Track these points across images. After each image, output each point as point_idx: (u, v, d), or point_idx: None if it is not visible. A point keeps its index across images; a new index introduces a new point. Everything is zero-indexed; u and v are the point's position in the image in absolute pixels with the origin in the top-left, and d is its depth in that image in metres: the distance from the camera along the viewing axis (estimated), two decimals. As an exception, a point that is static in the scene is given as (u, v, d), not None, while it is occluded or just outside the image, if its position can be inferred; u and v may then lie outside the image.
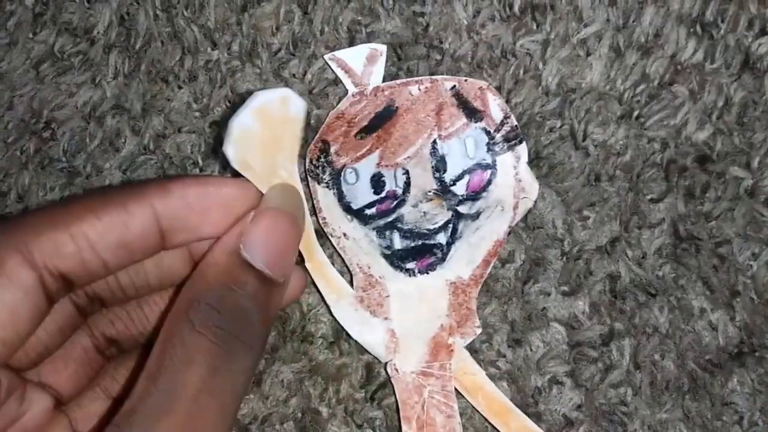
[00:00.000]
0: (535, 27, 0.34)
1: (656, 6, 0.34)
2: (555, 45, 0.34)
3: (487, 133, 0.28)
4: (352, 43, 0.34)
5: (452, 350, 0.27)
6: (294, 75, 0.34)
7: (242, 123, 0.23)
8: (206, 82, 0.35)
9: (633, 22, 0.34)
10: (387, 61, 0.33)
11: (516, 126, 0.28)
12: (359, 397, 0.31)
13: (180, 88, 0.35)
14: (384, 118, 0.28)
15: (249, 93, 0.34)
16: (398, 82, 0.29)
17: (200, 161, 0.34)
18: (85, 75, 0.36)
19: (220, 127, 0.34)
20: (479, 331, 0.27)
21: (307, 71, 0.34)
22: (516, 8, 0.34)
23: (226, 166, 0.34)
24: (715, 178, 0.33)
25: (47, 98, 0.35)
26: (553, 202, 0.32)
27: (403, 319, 0.26)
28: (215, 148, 0.34)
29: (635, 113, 0.33)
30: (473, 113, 0.28)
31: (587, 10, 0.34)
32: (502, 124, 0.28)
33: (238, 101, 0.34)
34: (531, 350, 0.31)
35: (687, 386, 0.31)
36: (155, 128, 0.35)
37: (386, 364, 0.27)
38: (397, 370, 0.27)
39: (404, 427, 0.26)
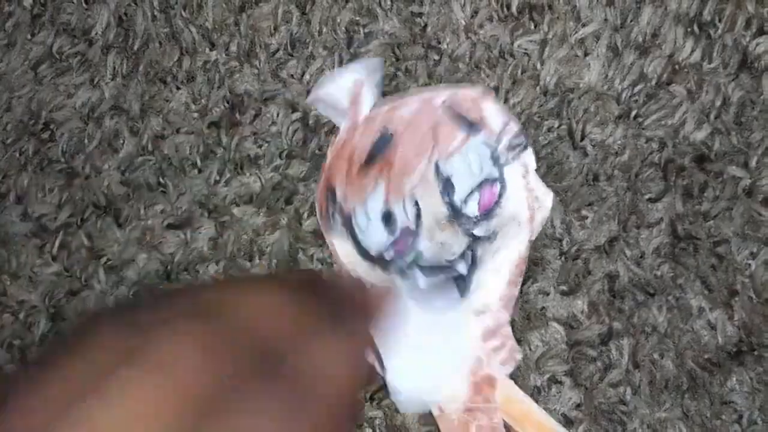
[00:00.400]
0: (532, 27, 0.34)
1: (654, 6, 0.34)
2: (553, 45, 0.34)
3: (489, 145, 0.27)
4: (350, 43, 0.34)
5: (494, 381, 0.25)
6: (292, 75, 0.34)
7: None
8: (204, 82, 0.35)
9: (631, 21, 0.34)
10: (385, 62, 0.33)
11: (518, 131, 0.26)
12: (359, 396, 0.31)
13: (178, 88, 0.35)
14: (381, 147, 0.27)
15: (247, 93, 0.34)
16: (386, 107, 0.27)
17: (199, 162, 0.34)
18: (84, 76, 0.36)
19: (219, 128, 0.34)
20: (520, 356, 0.25)
21: (305, 71, 0.34)
22: (513, 8, 0.34)
23: (223, 169, 0.34)
24: (713, 177, 0.33)
25: (46, 99, 0.35)
26: (552, 201, 0.32)
27: (440, 358, 0.24)
28: (213, 149, 0.34)
29: (633, 113, 0.33)
30: (470, 126, 0.26)
31: (585, 10, 0.34)
32: (502, 132, 0.26)
33: (236, 102, 0.34)
34: (530, 349, 0.31)
35: (686, 385, 0.31)
36: (154, 129, 0.35)
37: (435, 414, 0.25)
38: (441, 409, 0.25)
39: None
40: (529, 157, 0.26)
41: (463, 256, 0.25)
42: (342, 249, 0.25)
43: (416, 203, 0.25)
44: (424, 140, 0.26)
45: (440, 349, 0.24)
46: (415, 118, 0.26)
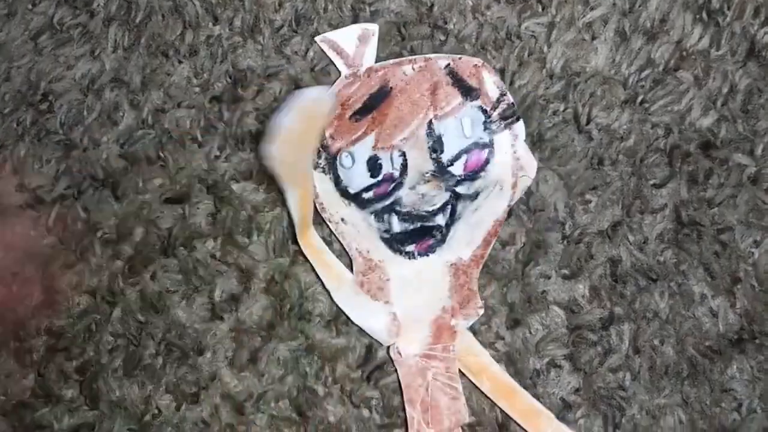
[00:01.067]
0: (540, 10, 0.34)
1: (663, -9, 0.33)
2: (560, 28, 0.33)
3: (484, 111, 0.28)
4: (355, 20, 0.33)
5: (455, 332, 0.26)
6: (296, 52, 0.34)
7: (288, 123, 0.23)
8: (207, 57, 0.35)
9: (639, 6, 0.34)
10: (390, 41, 0.32)
11: (512, 103, 0.28)
12: (356, 376, 0.30)
13: (180, 62, 0.35)
14: (378, 99, 0.28)
15: (250, 69, 0.33)
16: (391, 62, 0.28)
17: (199, 136, 0.34)
18: (84, 47, 0.35)
19: (221, 103, 0.34)
20: (482, 311, 0.27)
21: (309, 49, 0.34)
22: (522, -10, 0.34)
23: (224, 145, 0.33)
24: (718, 164, 0.32)
25: (45, 70, 0.35)
26: (555, 185, 0.32)
27: (405, 303, 0.26)
28: (215, 124, 0.34)
29: (639, 98, 0.33)
30: (469, 91, 0.27)
31: (593, -7, 0.33)
32: (498, 101, 0.28)
33: (239, 77, 0.34)
34: (530, 333, 0.31)
35: (686, 372, 0.31)
36: (154, 102, 0.34)
37: (389, 347, 0.26)
38: (400, 353, 0.26)
39: (408, 410, 0.26)
40: (519, 127, 0.27)
41: (442, 209, 0.26)
42: (321, 184, 0.26)
43: (404, 155, 0.26)
44: (421, 98, 0.27)
45: (410, 293, 0.25)
46: (417, 76, 0.27)
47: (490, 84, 0.28)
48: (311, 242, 0.26)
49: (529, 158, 0.27)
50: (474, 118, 0.28)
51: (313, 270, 0.30)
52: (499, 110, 0.28)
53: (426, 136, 0.27)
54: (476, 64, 0.28)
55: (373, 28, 0.29)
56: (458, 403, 0.26)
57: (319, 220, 0.30)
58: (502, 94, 0.28)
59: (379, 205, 0.26)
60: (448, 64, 0.28)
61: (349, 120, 0.27)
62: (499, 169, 0.27)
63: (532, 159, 0.28)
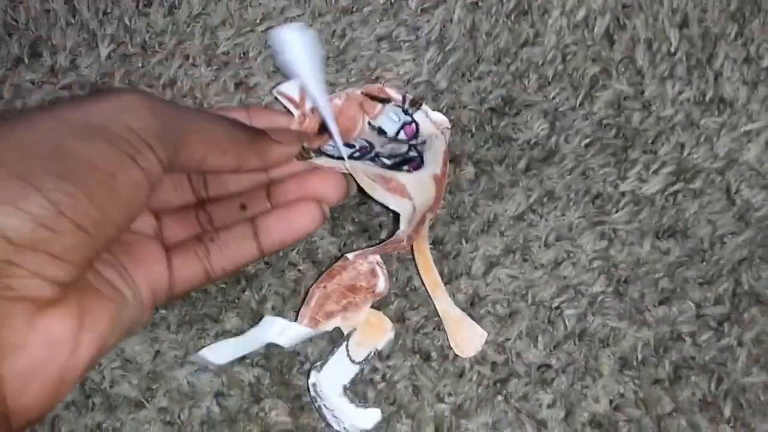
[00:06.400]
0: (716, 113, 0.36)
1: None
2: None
3: (398, 106, 0.36)
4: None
5: (424, 221, 0.33)
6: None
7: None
8: None
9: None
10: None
11: (413, 97, 0.36)
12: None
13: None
14: (326, 129, 0.35)
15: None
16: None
17: None
18: None
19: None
20: (439, 210, 0.34)
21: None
22: (707, 97, 0.36)
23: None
24: None
25: None
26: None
27: (417, 199, 0.33)
28: None
29: None
30: (383, 101, 0.36)
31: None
32: (404, 99, 0.36)
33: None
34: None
35: None
36: None
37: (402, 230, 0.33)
38: (403, 232, 0.32)
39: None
40: (425, 107, 0.36)
41: (410, 150, 0.35)
42: (317, 161, 0.33)
43: (365, 140, 0.35)
44: (356, 113, 0.36)
45: (417, 194, 0.33)
46: (346, 103, 0.36)
47: (394, 93, 0.36)
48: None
49: (440, 117, 0.36)
50: (395, 111, 0.36)
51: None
52: (407, 102, 0.36)
53: (370, 130, 0.36)
54: (379, 87, 0.36)
55: (301, 82, 0.36)
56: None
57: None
58: (404, 95, 0.36)
59: (366, 158, 0.34)
60: (362, 91, 0.36)
61: (316, 135, 0.35)
62: (427, 127, 0.36)
63: (442, 116, 0.36)
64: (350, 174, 0.32)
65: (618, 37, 0.37)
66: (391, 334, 0.33)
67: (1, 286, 0.22)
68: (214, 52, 0.37)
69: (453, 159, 0.35)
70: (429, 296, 0.33)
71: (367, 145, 0.35)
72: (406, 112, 0.36)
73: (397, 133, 0.36)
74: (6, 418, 0.23)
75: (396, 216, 0.32)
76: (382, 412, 0.32)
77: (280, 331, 0.32)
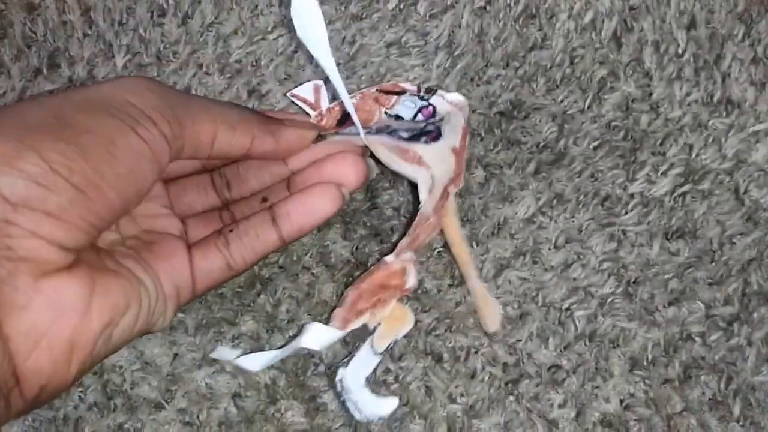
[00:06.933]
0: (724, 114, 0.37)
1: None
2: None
3: (414, 94, 0.36)
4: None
5: (449, 194, 0.33)
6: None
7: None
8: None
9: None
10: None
11: (429, 86, 0.36)
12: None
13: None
14: (345, 117, 0.35)
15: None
16: (338, 101, 0.36)
17: None
18: None
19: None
20: (462, 184, 0.34)
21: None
22: (715, 99, 0.37)
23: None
24: None
25: None
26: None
27: (436, 170, 0.33)
28: None
29: None
30: (398, 93, 0.36)
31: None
32: (419, 89, 0.36)
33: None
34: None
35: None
36: None
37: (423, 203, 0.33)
38: (426, 206, 0.33)
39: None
40: (441, 92, 0.36)
41: (428, 123, 0.35)
42: (345, 133, 0.33)
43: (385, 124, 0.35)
44: (372, 107, 0.36)
45: (437, 164, 0.33)
46: (361, 100, 0.36)
47: (408, 86, 0.36)
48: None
49: (457, 97, 0.35)
50: (411, 99, 0.36)
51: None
52: (422, 91, 0.36)
53: (387, 118, 0.36)
54: (393, 83, 0.37)
55: (320, 82, 0.37)
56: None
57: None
58: (418, 86, 0.36)
59: (384, 132, 0.34)
60: (377, 89, 0.36)
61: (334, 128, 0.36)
62: (443, 107, 0.36)
63: (459, 96, 0.35)
64: (369, 156, 0.33)
65: (625, 40, 0.37)
66: (410, 324, 0.33)
67: (1, 246, 0.23)
68: (227, 60, 0.38)
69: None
70: (459, 270, 0.34)
71: (384, 126, 0.34)
72: (422, 99, 0.36)
73: (415, 116, 0.36)
74: (16, 381, 0.24)
75: (409, 219, 0.33)
76: (395, 413, 0.32)
77: (316, 336, 0.31)
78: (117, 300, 0.26)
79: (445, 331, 0.34)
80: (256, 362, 0.32)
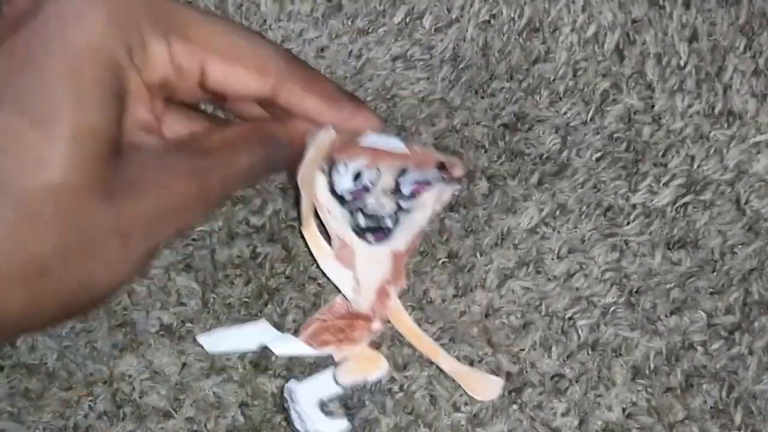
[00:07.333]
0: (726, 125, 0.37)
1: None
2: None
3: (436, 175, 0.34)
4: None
5: (388, 294, 0.34)
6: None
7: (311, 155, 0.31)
8: None
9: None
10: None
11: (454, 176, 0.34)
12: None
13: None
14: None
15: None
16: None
17: None
18: None
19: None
20: (406, 286, 0.34)
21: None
22: (716, 110, 0.37)
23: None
24: None
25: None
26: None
27: (364, 273, 0.33)
28: None
29: None
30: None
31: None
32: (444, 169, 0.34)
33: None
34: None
35: None
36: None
37: (353, 301, 0.34)
38: (357, 303, 0.33)
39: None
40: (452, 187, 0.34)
41: (390, 215, 0.34)
42: (319, 184, 0.33)
43: (378, 170, 0.34)
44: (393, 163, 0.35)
45: (368, 267, 0.33)
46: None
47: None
48: (310, 228, 0.33)
49: (445, 190, 0.34)
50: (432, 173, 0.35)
51: (307, 249, 0.33)
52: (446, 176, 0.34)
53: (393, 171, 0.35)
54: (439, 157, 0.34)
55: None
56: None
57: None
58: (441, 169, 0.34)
59: (353, 205, 0.34)
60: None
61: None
62: (428, 196, 0.34)
63: (448, 192, 0.34)
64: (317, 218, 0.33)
65: (628, 52, 0.38)
66: (383, 371, 0.34)
67: None
68: (235, 73, 0.38)
69: (467, 174, 0.36)
70: (427, 358, 0.34)
71: (370, 187, 0.34)
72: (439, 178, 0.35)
73: (411, 184, 0.35)
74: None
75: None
76: (401, 422, 0.33)
77: (274, 338, 0.34)
78: None
79: (449, 340, 0.34)
80: (216, 345, 0.34)
